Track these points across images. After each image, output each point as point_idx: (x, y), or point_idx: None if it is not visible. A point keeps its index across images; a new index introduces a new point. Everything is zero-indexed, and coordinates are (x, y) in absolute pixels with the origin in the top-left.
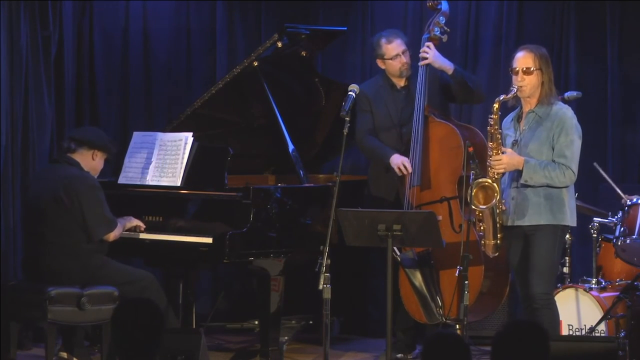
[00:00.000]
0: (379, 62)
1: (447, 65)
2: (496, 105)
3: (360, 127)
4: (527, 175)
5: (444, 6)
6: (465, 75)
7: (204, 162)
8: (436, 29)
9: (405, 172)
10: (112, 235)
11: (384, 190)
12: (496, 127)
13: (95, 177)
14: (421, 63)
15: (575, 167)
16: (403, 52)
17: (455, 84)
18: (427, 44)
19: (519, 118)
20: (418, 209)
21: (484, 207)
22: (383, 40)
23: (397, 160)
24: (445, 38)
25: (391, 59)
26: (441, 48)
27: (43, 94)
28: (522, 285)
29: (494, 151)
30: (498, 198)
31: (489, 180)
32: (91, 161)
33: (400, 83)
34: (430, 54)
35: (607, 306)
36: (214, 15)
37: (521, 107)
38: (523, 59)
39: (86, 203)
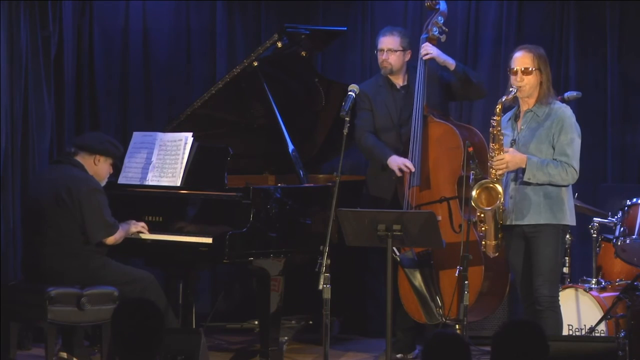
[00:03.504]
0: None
1: (449, 61)
2: (499, 107)
3: (360, 125)
4: (530, 173)
5: (442, 6)
6: (467, 70)
7: (204, 162)
8: (435, 29)
9: (407, 171)
10: (112, 239)
11: (382, 190)
12: (499, 128)
13: (102, 182)
14: (425, 57)
15: (577, 165)
16: (388, 50)
17: (457, 80)
18: (424, 44)
19: (516, 117)
20: (417, 209)
21: (489, 208)
22: (381, 31)
23: (398, 162)
24: (443, 38)
25: (377, 51)
26: (440, 48)
27: (43, 94)
28: (523, 286)
29: (496, 152)
30: (502, 200)
31: (493, 182)
32: (94, 166)
33: (399, 82)
34: (433, 49)
35: (607, 306)
36: (214, 16)
37: (518, 107)
38: (521, 59)
39: (86, 205)
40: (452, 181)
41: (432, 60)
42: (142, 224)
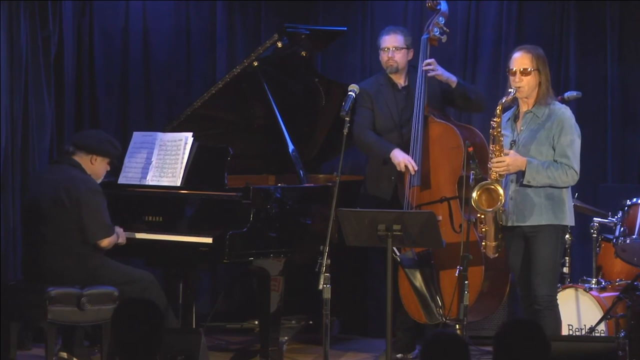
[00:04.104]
0: (379, 52)
1: (452, 79)
2: (499, 108)
3: (360, 122)
4: (530, 176)
5: (444, 6)
6: (467, 87)
7: (204, 162)
8: (435, 29)
9: (411, 170)
10: (107, 242)
11: (381, 189)
12: (499, 129)
13: (98, 181)
14: (429, 74)
15: (577, 166)
16: (393, 49)
17: (457, 96)
18: (429, 60)
19: (515, 118)
20: (418, 209)
21: (489, 210)
22: (383, 31)
23: (401, 158)
24: (444, 39)
25: (381, 50)
26: (441, 48)
27: (43, 94)
28: (523, 286)
29: (496, 153)
30: (502, 201)
31: (494, 183)
32: (91, 165)
33: (401, 82)
34: (437, 67)
35: (607, 306)
36: (214, 16)
37: (517, 107)
38: (520, 60)
39: (85, 206)
40: (452, 181)
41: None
42: (123, 236)
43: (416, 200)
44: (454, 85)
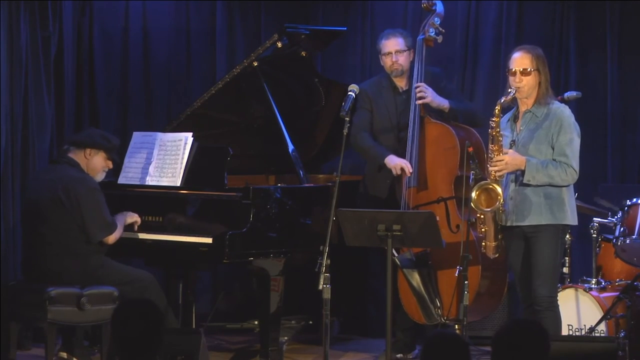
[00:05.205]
0: (380, 57)
1: (444, 104)
2: (497, 108)
3: (357, 124)
4: (530, 174)
5: (439, 7)
6: (458, 111)
7: (204, 162)
8: (431, 30)
9: (407, 173)
10: (112, 238)
11: (380, 189)
12: (498, 129)
13: (97, 178)
14: (419, 102)
15: (576, 165)
16: (396, 52)
17: (449, 117)
18: (419, 83)
19: (515, 118)
20: (415, 209)
21: (488, 209)
22: (382, 35)
23: (396, 162)
24: (440, 39)
25: (384, 55)
26: (440, 48)
27: (43, 94)
28: (523, 287)
29: (496, 153)
30: (501, 201)
31: (492, 183)
32: (86, 160)
33: (403, 85)
34: (427, 93)
35: (607, 306)
36: (214, 16)
37: (517, 108)
38: (520, 60)
39: (85, 205)
40: (449, 181)
41: (434, 69)
42: (136, 215)
43: (413, 201)
44: (446, 110)
